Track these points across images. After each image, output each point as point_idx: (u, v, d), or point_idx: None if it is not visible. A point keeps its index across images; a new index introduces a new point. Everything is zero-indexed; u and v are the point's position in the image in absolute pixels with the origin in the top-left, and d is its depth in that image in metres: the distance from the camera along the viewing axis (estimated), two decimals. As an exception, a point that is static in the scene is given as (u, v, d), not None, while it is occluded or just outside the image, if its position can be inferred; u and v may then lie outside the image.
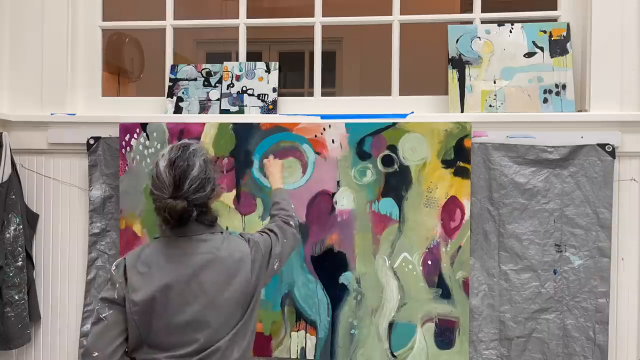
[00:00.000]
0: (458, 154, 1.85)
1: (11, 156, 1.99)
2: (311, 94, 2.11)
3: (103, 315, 1.40)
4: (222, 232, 1.50)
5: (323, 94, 2.08)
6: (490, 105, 1.91)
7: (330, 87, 4.59)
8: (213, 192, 1.48)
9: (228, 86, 2.05)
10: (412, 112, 1.94)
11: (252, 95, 2.03)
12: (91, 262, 2.03)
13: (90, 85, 2.15)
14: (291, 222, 1.68)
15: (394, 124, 1.88)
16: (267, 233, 1.59)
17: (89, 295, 2.02)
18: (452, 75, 1.94)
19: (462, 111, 1.91)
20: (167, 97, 2.07)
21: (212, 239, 1.46)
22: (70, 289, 2.08)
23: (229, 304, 1.43)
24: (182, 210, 1.39)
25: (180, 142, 1.50)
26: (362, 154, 1.89)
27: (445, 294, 1.86)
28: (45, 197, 2.09)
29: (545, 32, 1.92)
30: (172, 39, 2.14)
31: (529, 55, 1.91)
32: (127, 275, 1.42)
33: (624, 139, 1.83)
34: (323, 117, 1.93)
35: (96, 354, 1.39)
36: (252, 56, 2.18)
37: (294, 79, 5.05)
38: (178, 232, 1.45)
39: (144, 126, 1.97)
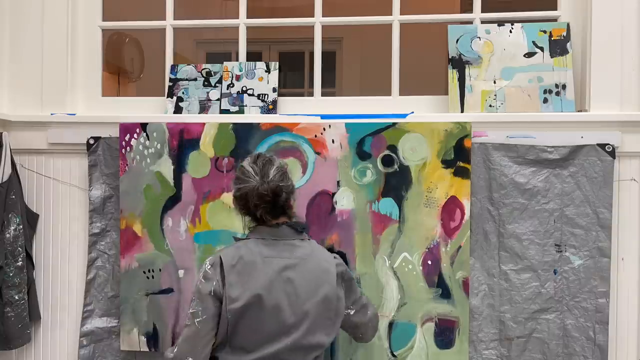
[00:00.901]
0: (458, 154, 1.85)
1: (11, 156, 1.99)
2: (311, 94, 2.11)
3: (197, 320, 1.44)
4: (309, 239, 1.56)
5: (323, 94, 2.08)
6: (490, 105, 1.91)
7: (330, 87, 4.59)
8: (294, 190, 1.56)
9: (228, 86, 2.05)
10: (412, 112, 1.94)
11: (252, 95, 2.03)
12: (91, 262, 2.03)
13: (90, 85, 2.15)
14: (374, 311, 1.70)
15: (394, 124, 1.88)
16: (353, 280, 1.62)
17: (89, 295, 2.02)
18: (452, 75, 1.94)
19: (462, 111, 1.91)
20: (167, 97, 2.07)
21: (302, 245, 1.52)
22: (70, 289, 2.08)
23: (317, 314, 1.45)
24: (274, 188, 1.47)
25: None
26: (362, 154, 1.89)
27: (445, 293, 1.86)
28: (45, 197, 2.09)
29: (545, 32, 1.92)
30: (172, 39, 2.14)
31: (529, 55, 1.92)
32: (225, 273, 1.45)
33: (624, 139, 1.83)
34: (323, 117, 1.93)
35: (190, 358, 1.43)
36: (252, 56, 2.18)
37: (294, 79, 5.05)
38: (270, 234, 1.51)
39: (144, 126, 1.97)
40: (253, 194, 1.48)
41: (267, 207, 1.49)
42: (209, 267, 1.48)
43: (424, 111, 1.99)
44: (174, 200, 1.95)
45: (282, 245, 1.50)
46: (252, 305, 1.42)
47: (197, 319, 1.43)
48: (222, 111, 2.02)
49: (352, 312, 1.59)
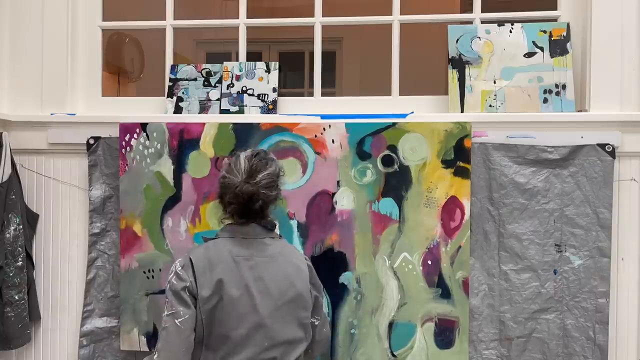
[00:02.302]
0: (458, 154, 1.85)
1: (11, 156, 1.99)
2: (311, 94, 2.11)
3: (179, 320, 1.41)
4: (280, 238, 1.57)
5: (323, 94, 2.08)
6: (490, 105, 1.91)
7: (330, 87, 4.59)
8: (276, 201, 1.56)
9: (228, 86, 2.05)
10: (412, 112, 1.94)
11: (252, 95, 2.03)
12: (91, 262, 2.03)
13: (90, 85, 2.15)
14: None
15: (394, 124, 1.88)
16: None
17: (89, 295, 2.02)
18: (452, 75, 1.94)
19: (462, 111, 1.91)
20: (167, 97, 2.07)
21: (273, 243, 1.52)
22: (70, 289, 2.08)
23: (291, 313, 1.46)
24: (252, 193, 1.45)
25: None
26: (362, 154, 1.89)
27: (445, 293, 1.86)
28: (45, 197, 2.09)
29: (545, 32, 1.92)
30: (172, 39, 2.14)
31: (529, 55, 1.92)
32: (196, 273, 1.44)
33: (624, 139, 1.83)
34: (323, 117, 1.93)
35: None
36: (252, 56, 2.18)
37: (294, 79, 5.05)
38: (241, 233, 1.50)
39: (144, 126, 1.97)
40: (231, 190, 1.47)
41: (238, 208, 1.49)
42: (179, 269, 1.46)
43: (424, 111, 1.99)
44: (174, 200, 1.95)
45: (252, 244, 1.49)
46: (224, 304, 1.41)
47: (179, 319, 1.40)
48: (222, 111, 2.02)
49: (316, 323, 1.59)
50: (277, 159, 1.61)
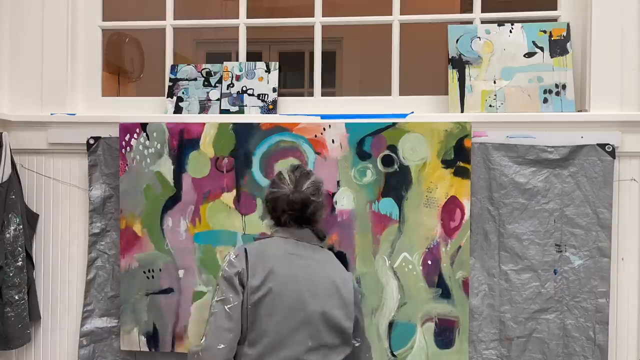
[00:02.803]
0: (458, 154, 1.85)
1: (11, 156, 1.99)
2: (311, 94, 2.11)
3: (228, 306, 1.44)
4: (329, 251, 1.64)
5: (323, 94, 2.08)
6: (490, 105, 1.91)
7: (330, 87, 4.59)
8: (324, 207, 1.63)
9: (228, 86, 2.05)
10: (412, 112, 1.94)
11: (252, 95, 2.03)
12: (91, 262, 2.03)
13: (90, 85, 2.15)
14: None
15: (394, 124, 1.88)
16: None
17: (89, 295, 2.02)
18: (452, 75, 1.94)
19: (462, 111, 1.91)
20: (167, 97, 2.07)
21: (322, 251, 1.59)
22: (70, 289, 2.08)
23: (335, 317, 1.48)
24: (304, 200, 1.53)
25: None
26: (362, 154, 1.89)
27: (445, 293, 1.86)
28: (45, 197, 2.09)
29: (545, 32, 1.92)
30: (172, 39, 2.14)
31: (529, 55, 1.92)
32: (249, 262, 1.48)
33: (624, 139, 1.83)
34: (323, 117, 1.93)
35: (222, 345, 1.42)
36: (252, 56, 2.18)
37: (294, 79, 5.05)
38: (294, 235, 1.56)
39: (144, 126, 1.97)
40: (284, 199, 1.55)
41: (293, 215, 1.55)
42: (234, 257, 1.51)
43: (424, 111, 1.99)
44: (174, 200, 1.95)
45: (305, 247, 1.55)
46: (274, 299, 1.44)
47: (228, 305, 1.44)
48: (222, 111, 2.02)
49: (357, 344, 1.60)
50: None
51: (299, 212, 1.55)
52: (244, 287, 1.46)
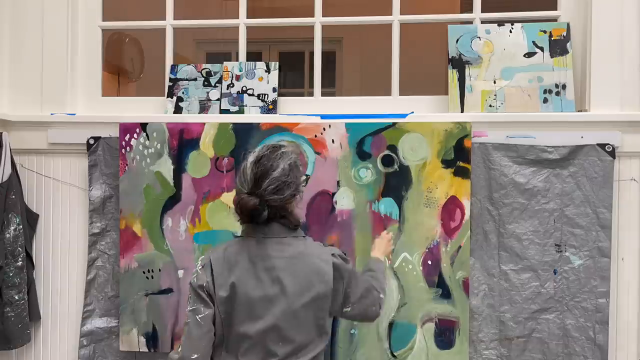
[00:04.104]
0: (458, 154, 1.85)
1: (11, 156, 1.99)
2: (311, 94, 2.11)
3: (199, 316, 1.44)
4: (304, 237, 1.52)
5: (323, 94, 2.08)
6: (490, 105, 1.91)
7: (330, 87, 4.59)
8: (293, 197, 1.49)
9: (228, 86, 2.05)
10: (412, 112, 1.94)
11: (252, 95, 2.03)
12: (91, 262, 2.03)
13: (90, 85, 2.15)
14: (381, 295, 1.57)
15: (394, 124, 1.88)
16: (355, 272, 1.54)
17: (89, 295, 2.02)
18: (452, 75, 1.94)
19: (462, 111, 1.91)
20: (167, 97, 2.07)
21: (295, 243, 1.48)
22: (70, 289, 2.08)
23: (307, 315, 1.43)
24: (253, 207, 1.41)
25: (274, 142, 1.54)
26: (362, 154, 1.89)
27: (445, 294, 1.86)
28: (45, 197, 2.09)
29: (545, 32, 1.92)
30: (172, 39, 2.14)
31: (529, 55, 1.91)
32: (214, 274, 1.45)
33: (624, 139, 1.83)
34: (323, 117, 1.93)
35: (195, 355, 1.42)
36: (252, 56, 2.18)
37: (294, 79, 5.05)
38: (261, 232, 1.47)
39: (144, 126, 1.97)
40: (238, 202, 1.44)
41: (246, 219, 1.46)
42: (200, 268, 1.48)
43: (424, 111, 1.99)
44: (173, 200, 1.95)
45: (272, 244, 1.46)
46: (239, 303, 1.43)
47: (199, 315, 1.44)
48: (222, 111, 2.02)
49: (349, 310, 1.52)
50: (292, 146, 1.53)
51: (250, 216, 1.43)
52: (213, 298, 1.45)
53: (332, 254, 1.49)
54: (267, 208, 1.43)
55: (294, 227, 1.49)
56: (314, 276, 1.45)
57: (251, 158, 1.46)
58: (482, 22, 2.00)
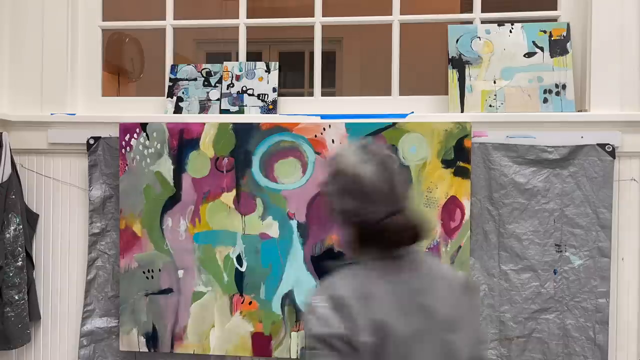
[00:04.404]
0: (458, 154, 1.85)
1: (11, 156, 1.99)
2: (311, 94, 2.11)
3: None
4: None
5: (323, 94, 2.08)
6: (490, 105, 1.91)
7: (330, 87, 4.59)
8: None
9: (228, 86, 2.05)
10: (412, 112, 1.94)
11: (252, 95, 2.03)
12: (91, 262, 2.03)
13: (90, 85, 2.15)
14: None
15: (394, 124, 1.88)
16: None
17: (89, 295, 2.02)
18: (452, 75, 1.94)
19: (462, 111, 1.91)
20: (167, 97, 2.07)
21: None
22: (70, 289, 2.07)
23: None
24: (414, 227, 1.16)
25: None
26: (362, 154, 1.89)
27: (445, 294, 1.86)
28: (45, 197, 2.09)
29: (545, 32, 1.92)
30: (172, 39, 2.14)
31: (529, 55, 1.91)
32: None
33: (624, 139, 1.83)
34: (323, 117, 1.93)
35: None
36: (252, 56, 2.18)
37: (294, 79, 5.06)
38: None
39: (144, 126, 1.97)
40: (392, 222, 1.16)
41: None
42: None
43: (424, 111, 1.99)
44: (173, 200, 1.95)
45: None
46: None
47: None
48: (222, 111, 2.02)
49: None
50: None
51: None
52: None
53: None
54: None
55: None
56: None
57: (370, 164, 1.14)
58: (482, 22, 2.00)
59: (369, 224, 1.14)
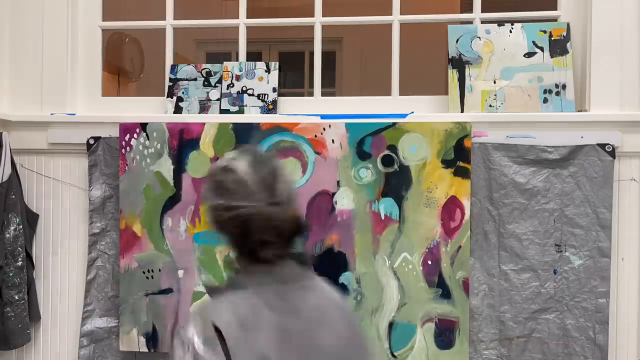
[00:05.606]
0: (458, 154, 1.85)
1: (11, 156, 1.99)
2: (311, 94, 2.11)
3: None
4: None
5: (323, 94, 2.08)
6: (490, 105, 1.91)
7: (330, 87, 4.59)
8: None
9: (228, 86, 2.05)
10: (412, 112, 1.94)
11: (252, 95, 2.03)
12: (91, 262, 2.03)
13: (90, 85, 2.15)
14: None
15: (394, 124, 1.88)
16: None
17: (89, 295, 2.02)
18: (452, 75, 1.94)
19: (462, 111, 1.91)
20: (167, 97, 2.07)
21: (316, 279, 1.14)
22: (70, 289, 2.07)
23: None
24: (295, 219, 1.05)
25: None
26: (362, 154, 1.89)
27: (445, 294, 1.86)
28: (45, 197, 2.09)
29: (545, 32, 1.92)
30: (172, 39, 2.14)
31: (529, 55, 1.91)
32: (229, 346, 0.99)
33: (624, 139, 1.83)
34: (323, 117, 1.93)
35: None
36: (252, 56, 2.18)
37: (294, 79, 5.06)
38: (282, 276, 1.07)
39: (144, 126, 1.97)
40: (259, 212, 1.06)
41: (288, 238, 1.10)
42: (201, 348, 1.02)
43: (424, 111, 1.99)
44: (173, 200, 1.95)
45: (295, 291, 1.11)
46: None
47: None
48: (222, 111, 2.02)
49: None
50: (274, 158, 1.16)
51: (296, 236, 1.07)
52: None
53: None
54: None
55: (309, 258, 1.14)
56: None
57: (244, 159, 1.09)
58: (482, 22, 2.00)
59: (244, 218, 1.04)
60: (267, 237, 1.04)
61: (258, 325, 1.00)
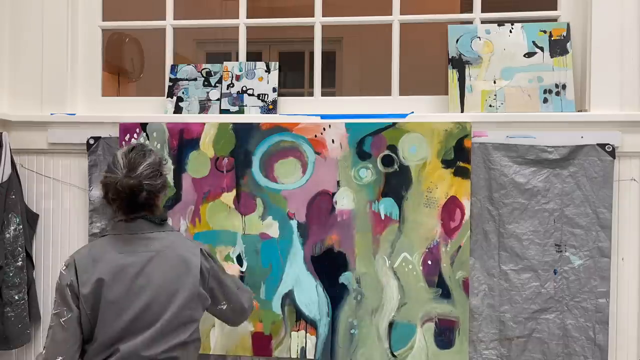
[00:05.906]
0: (458, 154, 1.85)
1: (11, 156, 1.99)
2: (311, 94, 2.11)
3: (63, 319, 1.43)
4: (172, 231, 1.56)
5: (323, 94, 2.08)
6: (490, 105, 1.91)
7: (330, 87, 4.59)
8: (164, 188, 1.55)
9: (228, 86, 2.05)
10: (412, 112, 1.94)
11: (252, 95, 2.03)
12: (91, 262, 2.02)
13: (90, 85, 2.15)
14: (253, 293, 1.75)
15: (394, 124, 1.88)
16: (224, 270, 1.62)
17: (89, 295, 2.02)
18: (452, 75, 1.94)
19: (462, 111, 1.91)
20: (167, 97, 2.07)
21: (161, 237, 1.51)
22: (70, 289, 2.07)
23: (174, 305, 1.45)
24: (133, 186, 1.45)
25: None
26: (362, 154, 1.89)
27: (445, 293, 1.86)
28: (45, 197, 2.09)
29: (545, 32, 1.92)
30: (172, 39, 2.14)
31: (529, 55, 1.92)
32: (78, 272, 1.45)
33: (624, 139, 1.83)
34: (323, 117, 1.93)
35: (60, 358, 1.42)
36: (252, 56, 2.18)
37: (294, 79, 5.06)
38: (127, 229, 1.49)
39: (144, 126, 1.97)
40: (113, 186, 1.46)
41: (121, 203, 1.48)
42: (64, 269, 1.48)
43: (424, 111, 1.99)
44: (174, 200, 1.95)
45: (138, 240, 1.49)
46: (105, 295, 1.42)
47: (63, 319, 1.43)
48: (222, 111, 2.02)
49: (224, 307, 1.59)
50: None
51: (127, 200, 1.46)
52: (78, 296, 1.44)
53: (201, 249, 1.54)
54: (145, 192, 1.47)
55: (161, 222, 1.53)
56: (181, 267, 1.48)
57: (121, 150, 1.52)
58: (482, 22, 2.00)
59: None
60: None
61: (102, 258, 1.46)
